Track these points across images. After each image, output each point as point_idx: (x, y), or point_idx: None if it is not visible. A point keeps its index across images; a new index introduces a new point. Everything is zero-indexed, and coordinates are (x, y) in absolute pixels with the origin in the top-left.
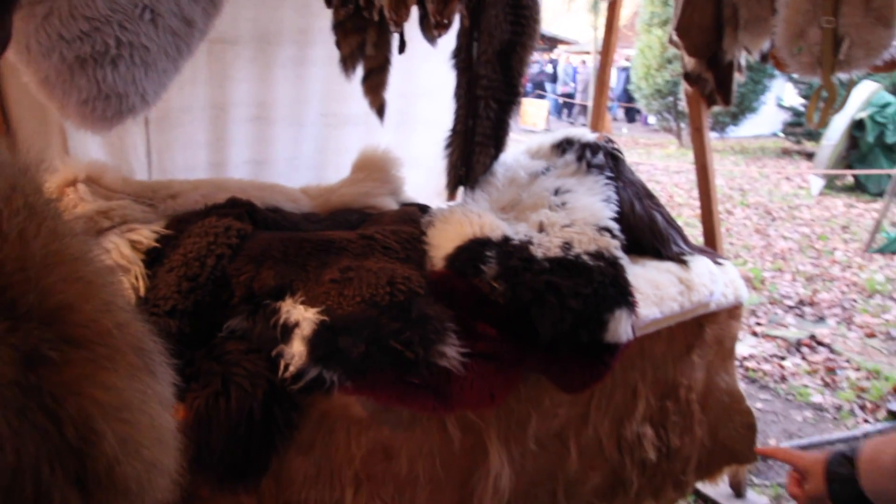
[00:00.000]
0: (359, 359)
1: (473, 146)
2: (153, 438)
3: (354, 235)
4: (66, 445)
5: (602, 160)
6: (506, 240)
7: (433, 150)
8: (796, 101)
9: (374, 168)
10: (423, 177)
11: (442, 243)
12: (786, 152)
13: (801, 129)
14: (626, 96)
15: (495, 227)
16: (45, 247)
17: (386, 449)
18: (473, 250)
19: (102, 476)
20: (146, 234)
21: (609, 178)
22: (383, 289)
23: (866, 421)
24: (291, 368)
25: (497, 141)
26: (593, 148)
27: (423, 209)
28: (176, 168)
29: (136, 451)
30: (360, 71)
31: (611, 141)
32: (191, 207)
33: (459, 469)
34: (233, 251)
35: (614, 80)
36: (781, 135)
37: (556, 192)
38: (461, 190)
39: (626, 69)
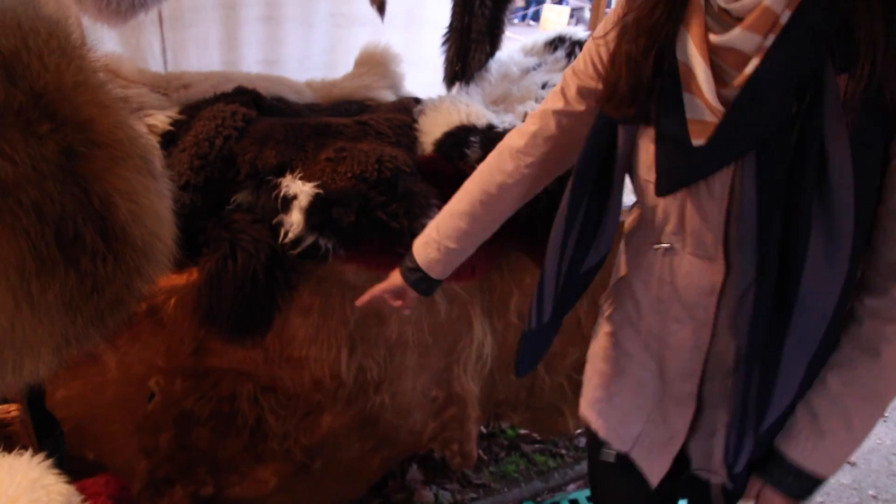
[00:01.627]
0: (349, 227)
1: (469, 43)
2: (153, 215)
3: (350, 121)
4: (93, 210)
5: None
6: (490, 127)
7: (440, 50)
8: None
9: (374, 63)
10: (430, 77)
11: (431, 130)
12: None
13: None
14: None
15: (481, 115)
16: (74, 77)
17: (378, 314)
18: (459, 136)
19: (118, 233)
20: (161, 119)
21: None
22: (372, 166)
23: None
24: (290, 235)
25: (492, 38)
26: (583, 45)
27: (417, 101)
28: (190, 67)
29: (141, 221)
30: None
31: None
32: (202, 97)
33: (446, 337)
34: (239, 133)
35: None
36: None
37: (544, 86)
38: (457, 85)
39: None
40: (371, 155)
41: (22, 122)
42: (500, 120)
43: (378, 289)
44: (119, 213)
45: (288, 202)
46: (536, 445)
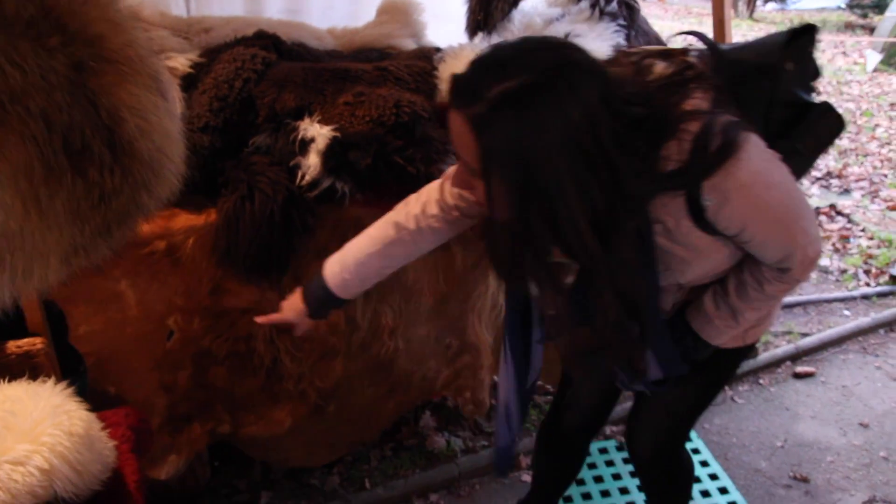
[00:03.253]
0: (366, 171)
1: None
2: (161, 132)
3: (370, 67)
4: (101, 122)
5: (615, 9)
6: None
7: (462, 0)
8: None
9: (396, 12)
10: (452, 28)
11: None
12: (849, 26)
13: (869, 0)
14: None
15: None
16: None
17: None
18: None
19: (126, 146)
20: (182, 62)
21: (621, 26)
22: (390, 110)
23: (867, 284)
24: (307, 178)
25: None
26: None
27: (438, 50)
28: (212, 14)
29: (148, 137)
30: None
31: None
32: (222, 41)
33: (461, 285)
34: (258, 76)
35: None
36: (846, 7)
37: (566, 36)
38: (479, 35)
39: None
40: (389, 100)
41: (32, 34)
42: None
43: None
44: (127, 128)
45: (305, 145)
46: (548, 397)
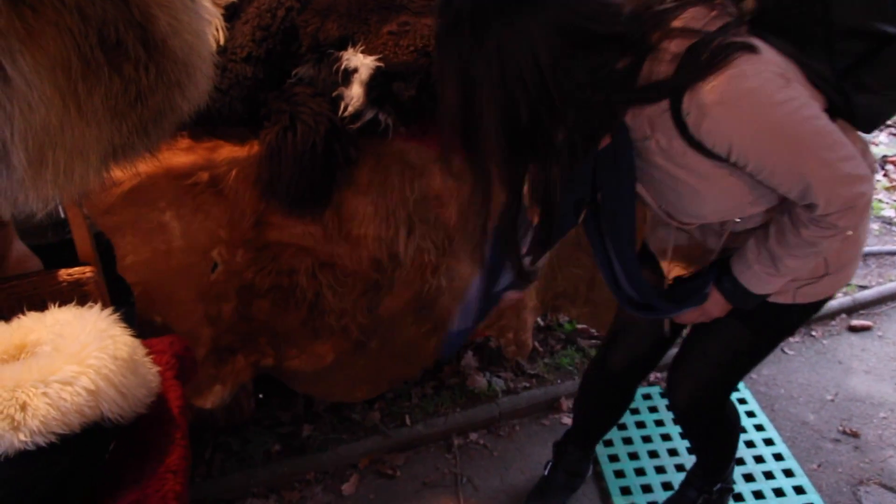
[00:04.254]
0: (409, 102)
1: None
2: (192, 32)
3: None
4: (134, 19)
5: None
6: None
7: None
8: None
9: None
10: None
11: None
12: None
13: None
14: None
15: None
16: None
17: (437, 196)
18: None
19: (159, 43)
20: None
21: None
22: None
23: None
24: (350, 109)
25: None
26: None
27: None
28: None
29: (180, 35)
30: None
31: None
32: None
33: None
34: (301, 5)
35: None
36: None
37: None
38: None
39: None
40: (435, 29)
41: None
42: None
43: None
44: (159, 25)
45: (348, 75)
46: (593, 341)
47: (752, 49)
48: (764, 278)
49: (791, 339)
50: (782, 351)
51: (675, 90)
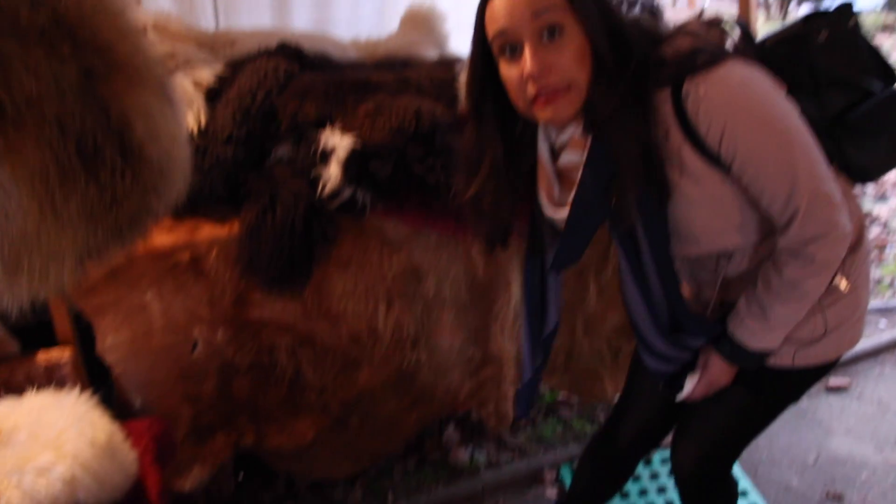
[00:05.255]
0: (386, 181)
1: None
2: (168, 137)
3: (391, 77)
4: (112, 127)
5: (638, 12)
6: None
7: None
8: None
9: (419, 22)
10: None
11: None
12: (887, 28)
13: None
14: None
15: None
16: (93, 2)
17: (415, 270)
18: None
19: (136, 150)
20: (206, 75)
21: None
22: (410, 119)
23: None
24: (328, 188)
25: None
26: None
27: (460, 59)
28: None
29: (157, 141)
30: None
31: None
32: (247, 54)
33: (483, 296)
34: (280, 87)
35: None
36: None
37: None
38: None
39: None
40: (409, 108)
41: (45, 43)
42: None
43: None
44: (136, 133)
45: (326, 155)
46: (574, 412)
47: (749, 60)
48: (757, 332)
49: None
50: None
51: (676, 77)
